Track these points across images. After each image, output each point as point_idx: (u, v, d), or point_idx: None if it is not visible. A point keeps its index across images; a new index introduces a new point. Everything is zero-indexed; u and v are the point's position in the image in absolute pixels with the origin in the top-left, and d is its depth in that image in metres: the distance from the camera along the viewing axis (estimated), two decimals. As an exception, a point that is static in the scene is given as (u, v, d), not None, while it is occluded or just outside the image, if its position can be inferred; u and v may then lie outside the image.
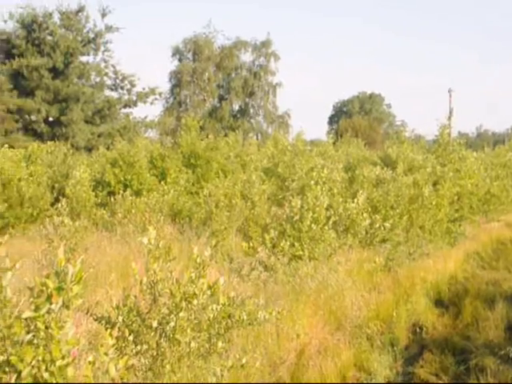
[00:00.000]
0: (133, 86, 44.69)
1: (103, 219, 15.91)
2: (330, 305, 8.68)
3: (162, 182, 18.34)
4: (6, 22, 41.05)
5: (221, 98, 56.56)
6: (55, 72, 39.98)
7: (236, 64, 56.93)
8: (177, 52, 55.95)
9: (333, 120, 74.29)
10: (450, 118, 24.26)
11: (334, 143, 27.30)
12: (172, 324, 5.02)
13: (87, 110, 40.62)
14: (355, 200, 13.31)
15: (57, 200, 16.66)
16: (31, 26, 40.13)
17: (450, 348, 8.09)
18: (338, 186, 14.74)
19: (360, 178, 17.34)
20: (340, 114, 73.53)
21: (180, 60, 56.15)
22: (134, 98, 44.95)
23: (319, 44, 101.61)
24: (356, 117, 64.58)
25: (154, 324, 5.07)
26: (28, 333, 3.53)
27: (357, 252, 12.43)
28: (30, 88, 39.10)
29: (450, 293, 11.39)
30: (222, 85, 57.25)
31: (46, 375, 3.43)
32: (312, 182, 12.85)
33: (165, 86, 57.98)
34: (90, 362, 3.72)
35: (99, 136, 40.40)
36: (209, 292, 5.37)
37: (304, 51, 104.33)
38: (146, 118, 45.24)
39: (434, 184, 17.47)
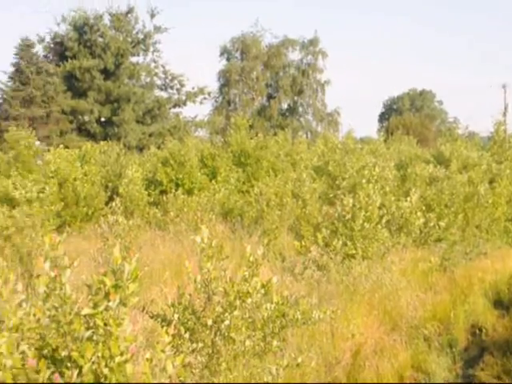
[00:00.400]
0: (182, 85, 45.10)
1: (156, 218, 16.09)
2: (384, 305, 8.54)
3: (213, 181, 18.43)
4: (59, 25, 41.99)
5: (269, 97, 56.54)
6: (106, 73, 40.66)
7: (284, 62, 56.79)
8: (225, 51, 56.20)
9: (383, 117, 73.41)
10: (505, 115, 23.67)
11: (384, 141, 26.96)
12: (227, 322, 5.01)
13: (138, 110, 41.17)
14: (408, 198, 13.09)
15: (111, 199, 16.94)
16: (83, 29, 40.91)
17: (512, 351, 7.85)
18: (390, 185, 14.55)
19: (412, 176, 17.07)
20: (390, 112, 72.59)
21: (228, 59, 56.39)
22: (184, 98, 45.35)
23: (368, 41, 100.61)
24: (407, 114, 63.65)
25: (209, 322, 5.07)
26: (87, 329, 3.57)
27: (411, 251, 12.22)
28: (83, 89, 39.87)
29: (510, 293, 11.07)
30: (270, 83, 57.20)
31: (105, 371, 3.46)
32: (363, 181, 12.70)
33: (213, 85, 58.31)
34: (147, 359, 3.74)
35: (150, 135, 40.89)
36: (262, 291, 5.35)
37: (352, 48, 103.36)
38: (195, 117, 45.62)
39: (490, 182, 17.07)
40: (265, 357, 5.21)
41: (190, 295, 5.34)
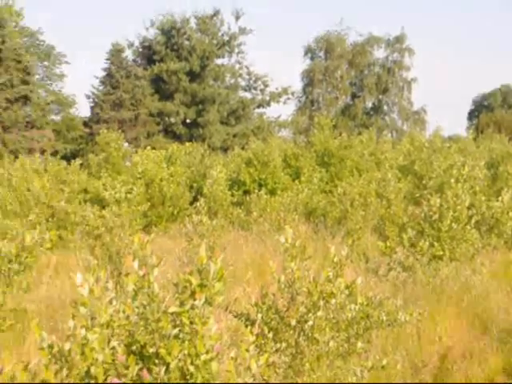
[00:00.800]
0: (266, 86, 45.37)
1: (239, 218, 16.25)
2: (474, 308, 8.27)
3: (296, 181, 18.43)
4: (147, 29, 43.21)
5: (353, 96, 55.96)
6: (192, 75, 41.44)
7: (369, 60, 56.06)
8: (309, 51, 56.05)
9: (472, 115, 71.09)
10: None
11: (474, 139, 26.13)
12: (310, 323, 5.00)
13: (223, 111, 41.74)
14: (499, 198, 12.63)
15: (195, 199, 17.26)
16: (170, 32, 41.89)
17: None
18: (479, 184, 14.07)
19: (504, 175, 16.48)
20: (480, 109, 70.18)
21: (312, 59, 56.21)
22: (267, 98, 45.61)
23: (456, 37, 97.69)
24: (498, 111, 61.39)
25: (293, 322, 5.07)
26: (174, 327, 3.65)
27: (502, 253, 11.78)
28: (170, 92, 40.81)
29: None
30: (354, 82, 56.62)
31: (191, 368, 3.52)
32: (452, 180, 12.34)
33: (297, 85, 58.27)
34: (232, 358, 3.78)
35: (234, 136, 41.37)
36: (346, 292, 5.30)
37: (439, 44, 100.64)
38: (279, 117, 45.78)
39: None
40: (349, 358, 5.17)
41: (273, 295, 5.37)
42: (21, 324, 7.09)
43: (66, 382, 3.43)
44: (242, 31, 44.18)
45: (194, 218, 11.98)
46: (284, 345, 4.95)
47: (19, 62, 33.67)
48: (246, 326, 4.97)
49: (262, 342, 4.85)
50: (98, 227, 11.46)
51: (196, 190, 19.13)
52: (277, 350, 4.89)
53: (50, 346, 3.47)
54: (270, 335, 4.89)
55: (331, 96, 55.37)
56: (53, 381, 3.35)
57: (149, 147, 20.75)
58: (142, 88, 38.19)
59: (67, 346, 3.48)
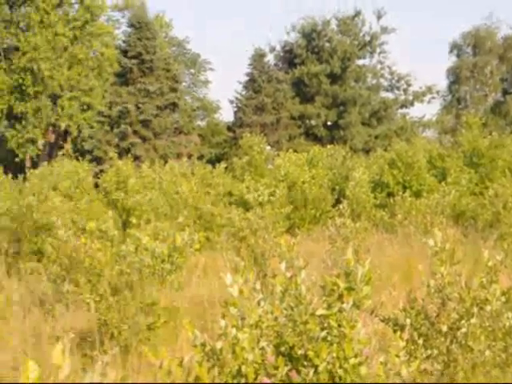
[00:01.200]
0: (409, 85, 44.25)
1: (383, 220, 15.99)
2: None
3: (442, 183, 17.80)
4: (288, 33, 43.74)
5: (504, 92, 53.01)
6: (333, 77, 41.35)
7: (522, 54, 52.93)
8: (455, 47, 53.94)
9: None
10: None
11: None
12: (463, 330, 4.79)
13: (364, 112, 41.27)
14: None
15: (337, 201, 17.19)
16: (311, 35, 42.10)
17: None
18: None
19: None
20: None
21: (458, 55, 54.04)
22: (411, 98, 44.47)
23: None
24: None
25: (444, 329, 4.89)
26: (322, 330, 3.64)
27: None
28: (311, 94, 40.99)
29: None
30: (505, 78, 53.68)
31: (340, 372, 3.50)
32: None
33: (441, 83, 56.21)
34: (381, 363, 3.72)
35: (376, 138, 40.76)
36: (503, 298, 5.03)
37: None
38: (423, 117, 44.49)
39: None
40: (507, 369, 4.89)
41: (422, 300, 5.21)
42: (173, 322, 7.41)
43: (218, 379, 3.53)
44: (384, 30, 43.44)
45: (336, 221, 11.93)
46: (435, 352, 4.78)
47: (168, 70, 35.36)
48: (395, 331, 4.85)
49: (412, 347, 4.71)
50: (242, 229, 11.74)
51: (338, 193, 19.06)
52: (428, 357, 4.73)
53: (203, 344, 3.59)
54: (420, 341, 4.74)
55: (480, 93, 52.87)
56: (206, 377, 3.46)
57: (290, 150, 20.97)
58: (283, 92, 38.69)
59: (219, 345, 3.59)
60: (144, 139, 33.20)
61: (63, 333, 7.06)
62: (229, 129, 39.19)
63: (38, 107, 35.19)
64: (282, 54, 43.68)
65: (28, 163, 34.81)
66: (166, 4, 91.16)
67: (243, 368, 3.47)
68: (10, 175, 19.53)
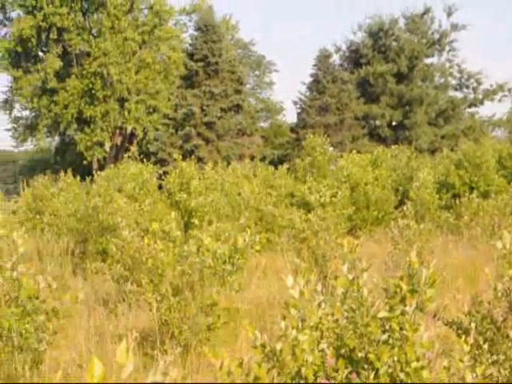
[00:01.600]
0: (479, 84, 43.07)
1: (448, 222, 15.66)
2: None
3: (512, 183, 17.31)
4: (355, 33, 43.38)
5: None
6: (399, 76, 40.73)
7: None
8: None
9: None
10: None
11: None
12: (531, 336, 4.62)
13: (430, 111, 40.46)
14: None
15: (401, 203, 16.92)
16: (378, 34, 41.59)
17: None
18: None
19: None
20: None
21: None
22: (480, 97, 43.28)
23: None
24: None
25: (511, 334, 4.73)
26: (383, 332, 3.58)
27: None
28: (376, 94, 40.50)
29: None
30: None
31: (401, 375, 3.43)
32: None
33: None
34: (444, 367, 3.63)
35: (442, 137, 39.91)
36: None
37: None
38: (493, 116, 43.22)
39: None
40: None
41: (489, 303, 5.06)
42: (233, 322, 7.44)
43: (277, 380, 3.52)
44: (454, 27, 42.38)
45: (399, 222, 11.74)
46: (502, 357, 4.63)
47: (233, 72, 35.63)
48: (459, 336, 4.73)
49: (477, 352, 4.58)
50: (303, 230, 11.70)
51: (402, 194, 18.77)
52: (493, 363, 4.59)
53: (263, 345, 3.58)
54: (486, 346, 4.60)
55: (552, 92, 51.02)
56: (265, 378, 3.46)
57: (354, 151, 20.77)
58: (347, 92, 38.39)
59: (278, 346, 3.58)
60: (207, 141, 33.56)
61: (126, 332, 7.21)
62: (292, 130, 39.17)
63: (107, 111, 36.08)
64: (347, 54, 43.33)
65: (95, 165, 35.76)
66: (234, 7, 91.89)
67: (303, 370, 3.45)
68: (79, 177, 20.12)
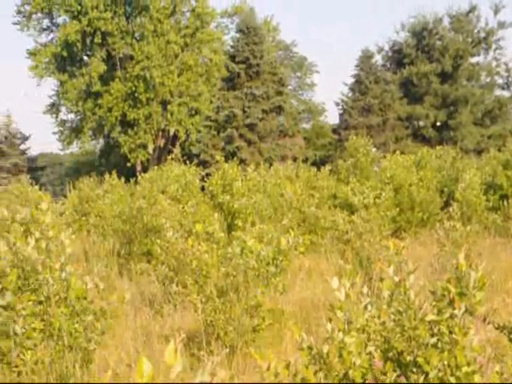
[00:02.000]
0: (528, 82, 42.15)
1: (495, 224, 15.36)
2: None
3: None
4: (397, 33, 42.95)
5: None
6: (443, 76, 40.13)
7: None
8: None
9: None
10: None
11: None
12: None
13: (476, 111, 39.75)
14: None
15: (446, 204, 16.66)
16: (421, 34, 41.07)
17: None
18: None
19: None
20: None
21: None
22: (528, 96, 42.36)
23: None
24: None
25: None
26: (432, 336, 3.53)
27: None
28: (419, 94, 39.98)
29: None
30: None
31: (452, 380, 3.37)
32: None
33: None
34: (497, 372, 3.55)
35: (489, 138, 39.17)
36: None
37: None
38: (543, 115, 42.22)
39: None
40: None
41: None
42: (278, 324, 7.43)
43: (324, 382, 3.50)
44: (501, 25, 41.49)
45: (445, 224, 11.57)
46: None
47: (274, 74, 35.66)
48: (510, 340, 4.62)
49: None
50: (347, 232, 11.62)
51: (447, 195, 18.48)
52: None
53: (309, 347, 3.57)
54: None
55: None
56: (313, 379, 3.44)
57: (397, 152, 20.53)
58: (390, 92, 38.02)
59: (325, 349, 3.55)
60: (249, 142, 33.64)
61: (173, 332, 7.27)
62: (334, 131, 38.99)
63: (150, 113, 36.56)
64: (390, 54, 42.91)
65: (139, 167, 36.24)
66: (275, 8, 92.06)
67: (350, 372, 3.42)
68: (123, 179, 20.39)
